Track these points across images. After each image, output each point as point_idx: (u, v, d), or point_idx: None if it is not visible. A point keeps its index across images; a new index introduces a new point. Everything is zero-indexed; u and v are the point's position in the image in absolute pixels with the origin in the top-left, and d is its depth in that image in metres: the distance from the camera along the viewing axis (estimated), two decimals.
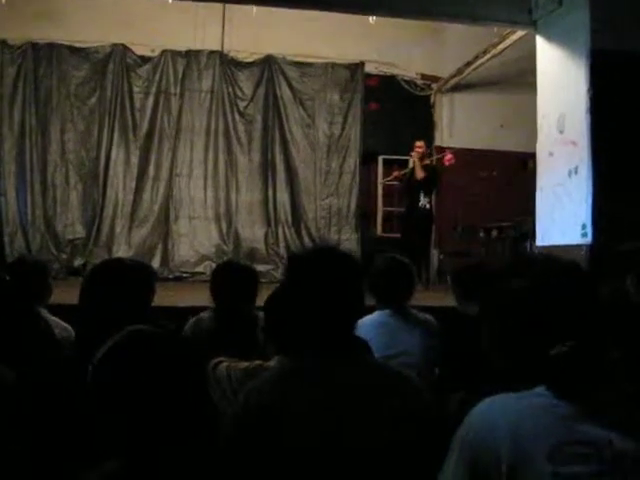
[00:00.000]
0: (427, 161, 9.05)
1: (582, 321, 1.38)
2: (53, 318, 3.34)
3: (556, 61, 6.20)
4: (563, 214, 5.99)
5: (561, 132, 6.07)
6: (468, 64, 9.27)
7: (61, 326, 3.30)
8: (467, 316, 3.37)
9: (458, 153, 9.87)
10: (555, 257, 1.53)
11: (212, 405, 1.98)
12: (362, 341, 1.81)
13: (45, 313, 3.34)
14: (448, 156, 9.42)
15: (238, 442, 1.63)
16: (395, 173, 9.49)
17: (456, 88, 10.25)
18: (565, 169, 5.96)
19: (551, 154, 6.23)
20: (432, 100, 10.59)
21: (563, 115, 6.05)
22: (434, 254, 10.14)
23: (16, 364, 2.67)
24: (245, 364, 2.37)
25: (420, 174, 8.65)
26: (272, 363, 2.29)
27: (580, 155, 5.75)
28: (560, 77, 6.14)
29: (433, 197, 8.95)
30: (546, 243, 6.25)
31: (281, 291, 2.30)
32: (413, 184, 8.82)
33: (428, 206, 8.72)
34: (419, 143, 9.03)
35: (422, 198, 8.66)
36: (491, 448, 1.26)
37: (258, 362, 2.36)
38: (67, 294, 4.87)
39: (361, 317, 1.86)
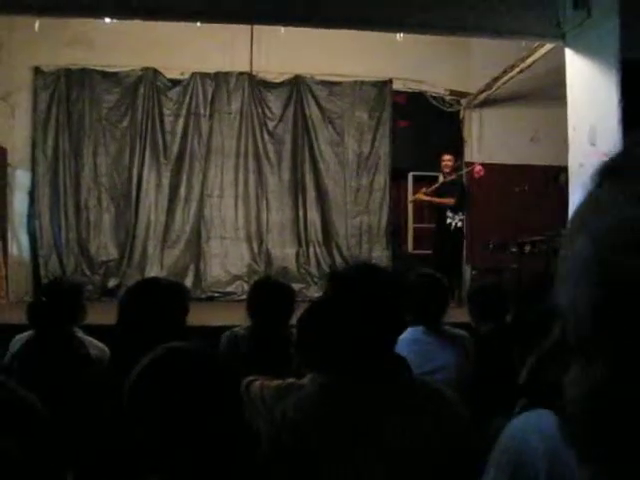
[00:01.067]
0: (454, 176, 9.00)
1: None
2: (88, 338, 3.37)
3: (586, 73, 6.15)
4: None
5: (593, 144, 6.01)
6: (497, 79, 9.23)
7: (96, 346, 3.32)
8: (480, 334, 3.38)
9: (488, 168, 9.81)
10: None
11: (246, 423, 1.97)
12: (401, 359, 1.80)
13: (80, 333, 3.37)
14: (477, 168, 9.33)
15: (274, 460, 1.62)
16: (421, 192, 9.42)
17: (485, 103, 10.21)
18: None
19: (582, 166, 6.17)
20: (461, 116, 10.56)
21: (594, 127, 5.99)
22: (466, 270, 10.06)
23: (51, 383, 2.70)
24: (278, 382, 2.35)
25: (450, 201, 8.61)
26: (305, 381, 2.27)
27: None
28: (590, 89, 6.09)
29: (461, 214, 8.83)
30: None
31: (318, 307, 2.29)
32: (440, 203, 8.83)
33: (460, 224, 8.65)
34: (447, 156, 8.98)
35: (450, 216, 8.61)
36: (528, 466, 1.23)
37: (291, 380, 2.34)
38: (101, 315, 4.93)
39: (400, 335, 1.85)
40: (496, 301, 3.60)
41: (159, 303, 2.32)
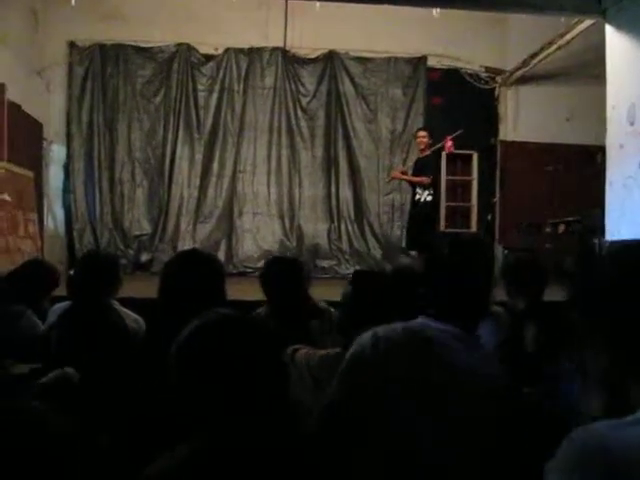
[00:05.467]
0: (427, 152, 8.62)
1: None
2: (124, 310, 3.40)
3: (626, 50, 6.04)
4: (634, 207, 5.84)
5: (632, 123, 5.91)
6: (533, 56, 9.07)
7: (132, 317, 3.36)
8: (516, 311, 3.36)
9: (523, 147, 9.72)
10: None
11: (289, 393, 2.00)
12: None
13: (117, 305, 3.41)
14: (448, 144, 9.16)
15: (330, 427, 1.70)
16: (399, 170, 9.30)
17: (521, 80, 10.05)
18: (636, 161, 5.81)
19: (621, 146, 6.08)
20: (496, 93, 10.41)
21: (634, 106, 5.89)
22: (498, 249, 9.99)
23: (89, 352, 2.74)
24: (323, 352, 2.38)
25: (425, 180, 8.40)
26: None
27: None
28: (630, 66, 5.98)
29: (431, 189, 8.45)
30: (616, 237, 6.09)
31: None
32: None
33: (429, 198, 8.39)
34: (422, 132, 8.71)
35: (419, 192, 8.46)
36: None
37: (336, 350, 2.35)
38: (134, 289, 4.99)
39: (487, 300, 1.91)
40: (532, 276, 3.53)
41: (202, 273, 2.34)
